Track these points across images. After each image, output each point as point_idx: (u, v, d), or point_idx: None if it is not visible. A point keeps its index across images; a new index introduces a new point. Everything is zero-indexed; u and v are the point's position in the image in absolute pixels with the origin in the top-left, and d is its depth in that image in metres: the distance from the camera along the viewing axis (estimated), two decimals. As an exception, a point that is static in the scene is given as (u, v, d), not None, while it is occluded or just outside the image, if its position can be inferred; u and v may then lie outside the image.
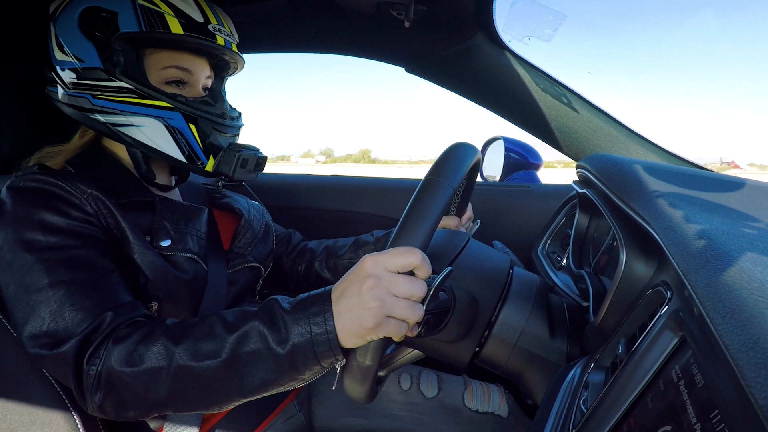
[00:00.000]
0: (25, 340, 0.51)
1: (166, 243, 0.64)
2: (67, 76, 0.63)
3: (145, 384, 0.48)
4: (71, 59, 0.62)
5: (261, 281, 0.82)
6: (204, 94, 0.70)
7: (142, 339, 0.50)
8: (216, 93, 0.70)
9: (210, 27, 0.65)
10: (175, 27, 0.62)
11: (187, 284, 0.64)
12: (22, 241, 0.54)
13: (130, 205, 0.64)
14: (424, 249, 0.45)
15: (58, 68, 0.64)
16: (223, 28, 0.67)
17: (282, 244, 0.94)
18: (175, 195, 0.77)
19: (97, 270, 0.55)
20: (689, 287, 0.34)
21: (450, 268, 0.47)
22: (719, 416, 0.25)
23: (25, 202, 0.56)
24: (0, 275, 0.54)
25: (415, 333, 0.48)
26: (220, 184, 0.72)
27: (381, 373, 0.57)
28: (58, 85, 0.65)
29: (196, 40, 0.64)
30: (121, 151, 0.69)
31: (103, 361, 0.49)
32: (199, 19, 0.64)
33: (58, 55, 0.64)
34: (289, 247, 0.95)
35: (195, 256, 0.67)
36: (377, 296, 0.43)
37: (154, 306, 0.61)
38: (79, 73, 0.63)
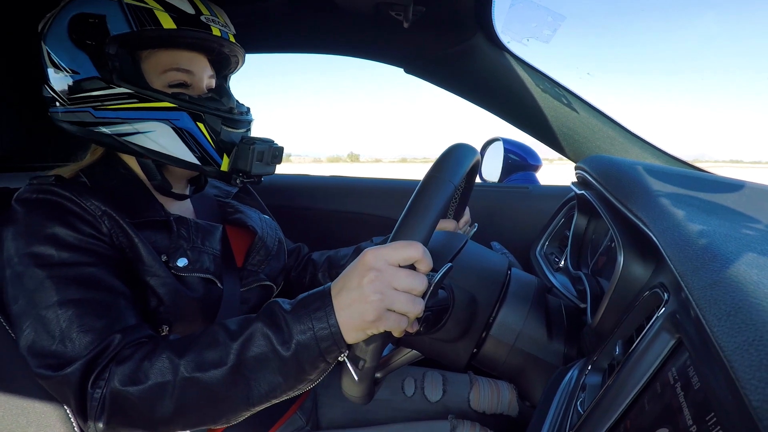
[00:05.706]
0: (30, 358, 0.50)
1: (182, 263, 0.62)
2: (65, 91, 0.61)
3: (151, 401, 0.47)
4: (66, 73, 0.60)
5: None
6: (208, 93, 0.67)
7: (145, 356, 0.49)
8: (221, 89, 0.67)
9: (203, 18, 0.62)
10: (167, 22, 0.59)
11: (200, 304, 0.63)
12: (34, 254, 0.52)
13: (145, 224, 0.62)
14: (426, 243, 0.45)
15: (54, 86, 0.62)
16: (217, 19, 0.64)
17: (291, 259, 0.92)
18: (187, 206, 0.75)
19: (108, 290, 0.54)
20: (686, 289, 0.34)
21: (450, 264, 0.47)
22: (715, 418, 0.25)
23: (37, 214, 0.54)
24: (9, 287, 0.52)
25: (415, 329, 0.48)
26: (238, 182, 0.67)
27: (378, 375, 0.57)
28: (57, 103, 0.62)
29: (191, 32, 0.61)
30: (133, 162, 0.67)
31: (107, 383, 0.48)
32: (191, 11, 0.61)
33: (53, 72, 0.61)
34: (297, 260, 0.94)
35: (211, 276, 0.65)
36: (378, 289, 0.43)
37: (165, 329, 0.60)
38: (77, 87, 0.60)
